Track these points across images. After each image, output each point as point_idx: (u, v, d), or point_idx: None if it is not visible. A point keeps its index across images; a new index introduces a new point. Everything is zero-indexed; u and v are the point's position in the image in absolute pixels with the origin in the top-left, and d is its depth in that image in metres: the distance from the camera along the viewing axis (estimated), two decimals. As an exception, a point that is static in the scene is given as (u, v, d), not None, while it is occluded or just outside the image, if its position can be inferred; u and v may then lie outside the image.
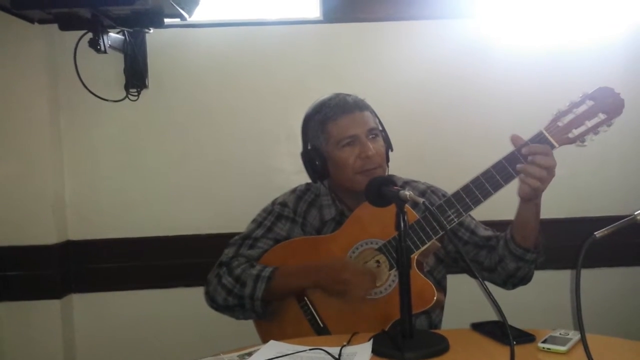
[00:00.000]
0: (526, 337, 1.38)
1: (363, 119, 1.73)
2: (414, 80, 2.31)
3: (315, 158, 1.77)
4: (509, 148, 1.50)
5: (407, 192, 1.33)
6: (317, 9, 2.34)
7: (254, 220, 1.86)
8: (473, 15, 2.30)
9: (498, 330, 1.41)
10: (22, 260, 2.21)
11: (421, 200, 1.32)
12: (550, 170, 1.45)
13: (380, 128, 1.79)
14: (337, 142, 1.72)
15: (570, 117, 1.45)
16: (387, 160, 1.79)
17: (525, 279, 1.69)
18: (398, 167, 1.85)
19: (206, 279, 1.79)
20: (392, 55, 2.32)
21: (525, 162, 1.46)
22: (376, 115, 1.79)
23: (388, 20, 2.31)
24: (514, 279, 1.68)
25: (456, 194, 1.54)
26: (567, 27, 2.30)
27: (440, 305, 1.76)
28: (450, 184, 1.69)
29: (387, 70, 2.31)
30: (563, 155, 1.49)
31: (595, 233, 1.12)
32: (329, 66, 2.32)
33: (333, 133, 1.73)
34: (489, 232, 1.77)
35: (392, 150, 1.81)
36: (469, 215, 1.73)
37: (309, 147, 1.81)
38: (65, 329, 2.27)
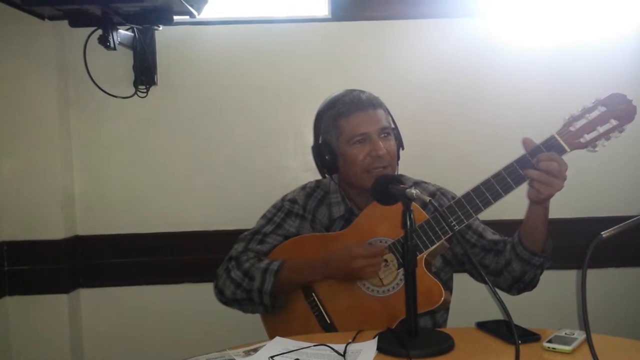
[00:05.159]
0: (531, 337, 1.38)
1: (376, 117, 1.72)
2: (422, 78, 2.31)
3: (325, 153, 1.76)
4: (518, 148, 1.50)
5: (414, 191, 1.32)
6: (326, 7, 2.34)
7: (263, 216, 1.86)
8: (482, 14, 2.30)
9: (503, 329, 1.41)
10: (31, 254, 2.23)
11: (428, 198, 1.32)
12: (558, 176, 1.45)
13: (393, 126, 1.77)
14: (348, 139, 1.71)
15: (582, 122, 1.45)
16: (398, 158, 1.78)
17: (531, 284, 1.68)
18: (406, 166, 1.85)
19: (215, 273, 1.80)
20: (400, 53, 2.32)
21: (536, 167, 1.47)
22: (389, 113, 1.78)
23: (396, 19, 2.31)
24: (520, 284, 1.67)
25: (466, 195, 1.54)
26: (577, 26, 2.29)
27: (446, 306, 1.76)
28: (458, 183, 1.69)
29: (395, 69, 2.31)
30: (570, 156, 1.49)
31: (602, 233, 1.11)
32: (337, 64, 2.33)
33: (345, 129, 1.72)
34: (496, 236, 1.76)
35: (403, 149, 1.80)
36: (477, 218, 1.73)
37: (320, 142, 1.80)
38: (73, 324, 2.28)
